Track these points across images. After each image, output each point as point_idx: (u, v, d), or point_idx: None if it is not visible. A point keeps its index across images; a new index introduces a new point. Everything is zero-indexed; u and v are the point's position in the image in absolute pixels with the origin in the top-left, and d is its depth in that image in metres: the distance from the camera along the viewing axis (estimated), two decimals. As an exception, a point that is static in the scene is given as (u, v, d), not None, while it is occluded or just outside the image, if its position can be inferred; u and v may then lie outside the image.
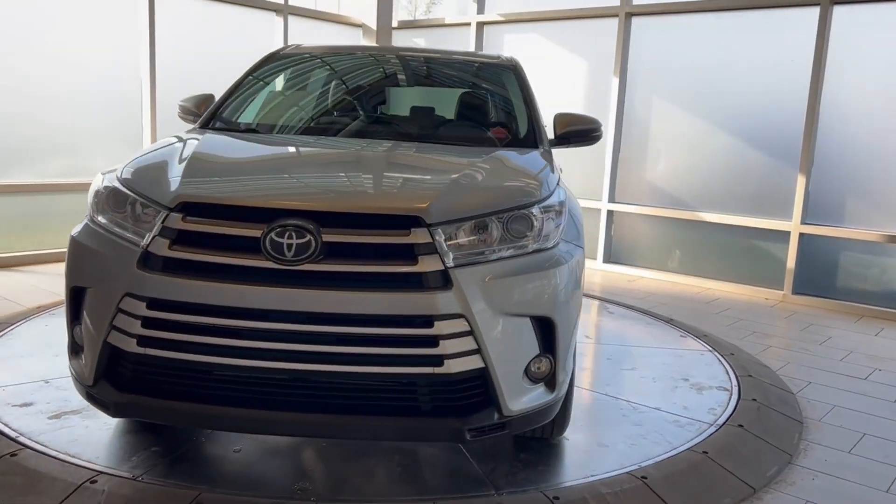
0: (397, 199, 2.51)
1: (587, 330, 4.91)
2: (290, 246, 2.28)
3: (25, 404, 3.26)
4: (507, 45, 8.05)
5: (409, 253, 2.34)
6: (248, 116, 3.59)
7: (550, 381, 2.59)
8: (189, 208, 2.39)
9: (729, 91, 6.66)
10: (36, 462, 2.75)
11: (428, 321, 2.31)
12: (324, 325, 2.29)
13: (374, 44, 8.62)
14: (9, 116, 6.12)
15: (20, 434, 2.96)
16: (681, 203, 6.99)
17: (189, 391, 2.40)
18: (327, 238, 2.31)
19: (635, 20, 7.13)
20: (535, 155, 3.20)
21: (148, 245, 2.38)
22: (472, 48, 8.13)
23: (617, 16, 7.13)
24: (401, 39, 8.88)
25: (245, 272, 2.31)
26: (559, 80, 7.69)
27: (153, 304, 2.34)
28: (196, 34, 7.36)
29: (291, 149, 3.20)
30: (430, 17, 8.85)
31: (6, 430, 2.99)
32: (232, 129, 3.44)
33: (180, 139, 2.99)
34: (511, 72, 3.91)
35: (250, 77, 3.77)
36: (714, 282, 6.75)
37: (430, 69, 4.14)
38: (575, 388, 3.75)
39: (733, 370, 4.17)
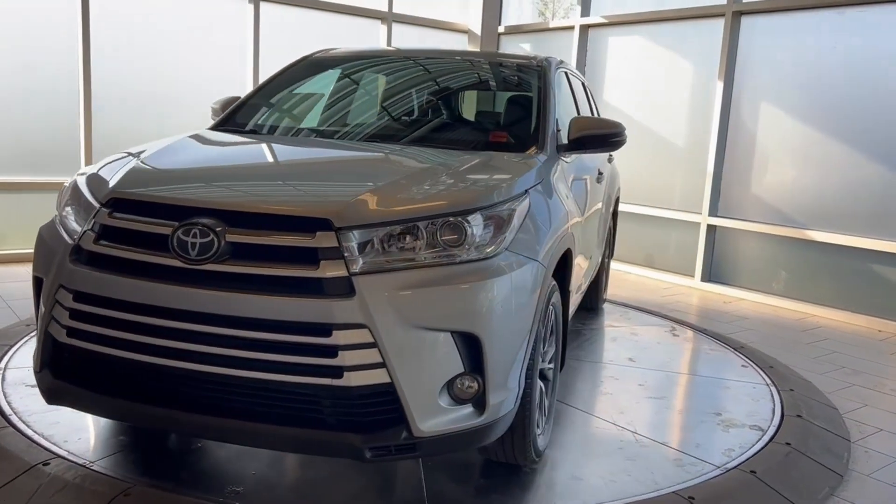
0: (306, 200, 2.42)
1: (632, 352, 4.53)
2: (193, 245, 2.26)
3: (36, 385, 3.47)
4: (610, 48, 7.69)
5: (312, 257, 2.24)
6: (253, 119, 3.61)
7: (479, 402, 2.38)
8: (117, 204, 2.45)
9: (846, 96, 5.94)
10: (10, 440, 2.90)
11: (326, 329, 2.20)
12: (222, 328, 2.24)
13: (477, 49, 8.55)
14: (111, 118, 6.63)
15: (13, 413, 3.16)
16: (789, 219, 6.32)
17: (106, 383, 2.44)
18: (231, 238, 2.26)
19: (744, 19, 6.55)
20: (517, 159, 2.97)
21: (79, 239, 2.45)
22: (574, 52, 7.84)
23: (723, 15, 6.59)
24: (507, 45, 8.74)
25: (156, 270, 2.32)
26: (661, 83, 7.23)
27: (78, 296, 2.40)
28: (302, 42, 7.62)
29: (249, 150, 3.17)
30: (538, 21, 8.65)
31: (5, 408, 3.21)
32: (235, 130, 3.48)
33: (156, 142, 3.06)
34: (535, 73, 3.68)
35: (273, 80, 3.81)
36: (821, 308, 6.04)
37: (441, 71, 3.97)
38: (579, 413, 3.51)
39: (782, 408, 3.68)
